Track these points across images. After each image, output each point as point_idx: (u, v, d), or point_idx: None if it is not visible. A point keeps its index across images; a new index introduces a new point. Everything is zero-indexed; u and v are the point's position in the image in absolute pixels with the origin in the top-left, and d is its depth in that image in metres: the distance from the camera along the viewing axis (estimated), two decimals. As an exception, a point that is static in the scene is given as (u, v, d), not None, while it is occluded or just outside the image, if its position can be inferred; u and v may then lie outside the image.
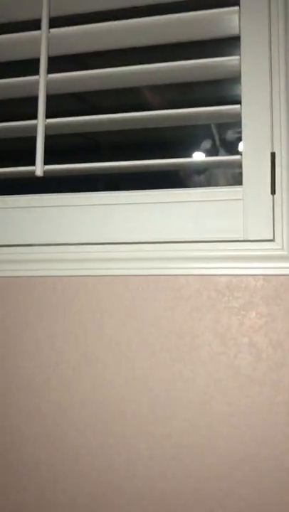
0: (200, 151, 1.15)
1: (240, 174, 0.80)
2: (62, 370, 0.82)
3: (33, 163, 0.84)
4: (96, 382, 0.81)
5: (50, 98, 0.87)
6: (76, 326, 0.82)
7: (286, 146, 0.78)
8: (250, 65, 0.80)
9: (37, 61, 0.87)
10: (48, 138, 0.86)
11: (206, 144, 1.10)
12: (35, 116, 0.85)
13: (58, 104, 0.90)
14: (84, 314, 0.82)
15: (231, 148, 1.17)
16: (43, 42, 0.85)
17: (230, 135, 1.12)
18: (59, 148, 1.06)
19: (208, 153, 1.15)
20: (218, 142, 1.11)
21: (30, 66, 0.91)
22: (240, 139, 0.81)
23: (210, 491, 0.75)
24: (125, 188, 0.85)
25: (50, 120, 0.85)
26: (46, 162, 0.85)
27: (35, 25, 0.88)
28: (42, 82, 0.85)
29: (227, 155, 0.84)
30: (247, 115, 0.80)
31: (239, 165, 0.80)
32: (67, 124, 0.87)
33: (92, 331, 0.82)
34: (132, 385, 0.79)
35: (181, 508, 0.76)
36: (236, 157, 0.80)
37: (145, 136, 1.14)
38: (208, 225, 0.80)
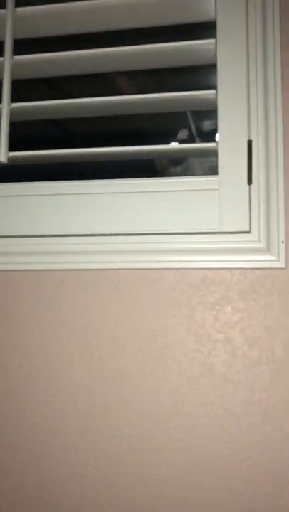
0: (176, 142, 1.12)
1: (217, 166, 0.77)
2: (27, 368, 0.77)
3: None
4: (62, 382, 0.76)
5: (18, 85, 0.82)
6: (41, 322, 0.78)
7: (263, 133, 0.74)
8: (227, 49, 0.77)
9: (1, 43, 0.82)
10: (17, 126, 0.81)
11: (182, 134, 1.07)
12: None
13: (28, 93, 0.85)
14: (50, 310, 0.77)
15: (208, 140, 1.13)
16: (9, 21, 0.80)
17: (207, 127, 1.08)
18: (30, 139, 1.01)
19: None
20: (195, 133, 1.07)
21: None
22: (217, 131, 0.77)
23: (182, 495, 0.71)
24: (96, 179, 0.80)
25: (15, 104, 0.80)
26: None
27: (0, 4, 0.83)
28: (7, 64, 0.80)
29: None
30: (223, 101, 0.76)
31: (215, 153, 0.77)
32: (35, 110, 0.82)
33: (58, 328, 0.77)
34: (101, 385, 0.75)
35: (152, 515, 0.72)
36: (211, 144, 0.76)
37: (119, 127, 1.10)
38: (182, 216, 0.76)
